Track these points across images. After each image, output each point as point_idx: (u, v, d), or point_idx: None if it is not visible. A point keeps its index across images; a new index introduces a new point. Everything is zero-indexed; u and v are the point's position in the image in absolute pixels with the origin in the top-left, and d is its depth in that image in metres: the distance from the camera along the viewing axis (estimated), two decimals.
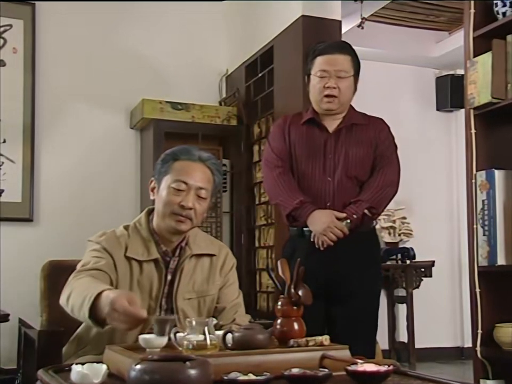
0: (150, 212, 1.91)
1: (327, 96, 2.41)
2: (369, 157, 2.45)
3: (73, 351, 1.84)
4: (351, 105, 2.52)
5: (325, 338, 1.50)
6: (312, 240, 2.37)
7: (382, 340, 4.87)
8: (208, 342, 1.41)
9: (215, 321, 1.49)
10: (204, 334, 1.42)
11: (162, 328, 1.42)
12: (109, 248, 1.81)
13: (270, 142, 2.57)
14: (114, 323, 1.48)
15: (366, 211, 2.37)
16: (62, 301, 1.71)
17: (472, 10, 2.46)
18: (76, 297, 1.64)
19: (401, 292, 5.34)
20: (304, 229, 2.42)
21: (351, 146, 2.44)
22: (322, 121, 2.48)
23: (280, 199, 2.42)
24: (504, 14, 2.37)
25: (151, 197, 1.90)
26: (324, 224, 2.32)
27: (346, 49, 2.48)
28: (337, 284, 2.36)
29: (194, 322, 1.44)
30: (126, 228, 1.88)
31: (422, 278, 5.24)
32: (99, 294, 1.55)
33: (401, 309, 5.37)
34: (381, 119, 2.56)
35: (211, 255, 1.92)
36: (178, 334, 1.47)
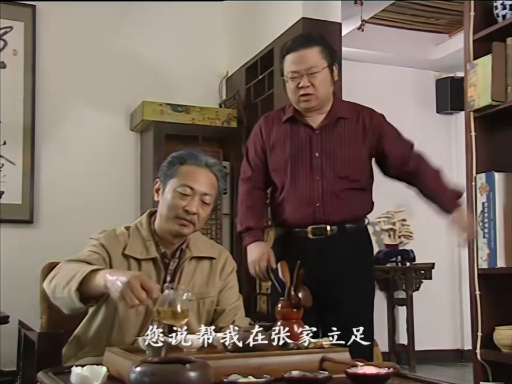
0: (152, 214, 1.92)
1: (302, 95, 2.33)
2: (360, 154, 2.38)
3: (73, 353, 1.84)
4: (337, 97, 2.44)
5: (325, 341, 1.50)
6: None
7: (382, 342, 4.87)
8: (179, 309, 1.44)
9: (189, 294, 1.54)
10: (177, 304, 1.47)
11: (157, 352, 1.39)
12: (107, 244, 1.82)
13: (248, 147, 2.51)
14: (126, 292, 1.49)
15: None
16: (45, 284, 1.74)
17: (472, 13, 2.46)
18: (61, 276, 1.68)
19: (401, 294, 5.34)
20: (294, 229, 2.36)
21: (339, 144, 2.36)
22: (305, 117, 2.40)
23: (239, 217, 2.47)
24: (504, 16, 2.37)
25: (155, 198, 1.90)
26: (253, 258, 2.36)
27: (313, 41, 2.37)
28: (329, 290, 2.29)
29: (167, 290, 1.51)
30: (127, 228, 1.90)
31: (422, 280, 5.24)
32: (93, 271, 1.61)
33: (401, 311, 5.37)
34: (371, 110, 2.46)
35: (211, 258, 1.92)
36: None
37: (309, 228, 2.34)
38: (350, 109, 2.43)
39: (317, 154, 2.35)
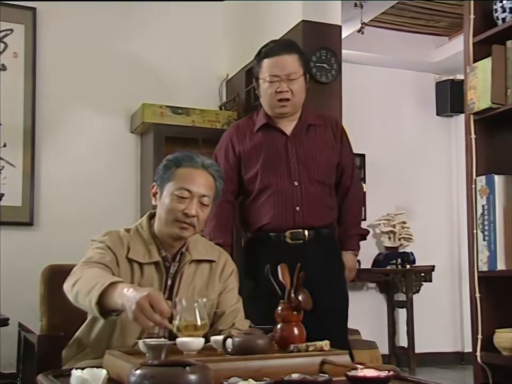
0: (152, 216, 1.91)
1: (280, 100, 2.39)
2: (332, 160, 2.48)
3: (73, 354, 1.84)
4: (305, 105, 2.51)
5: (325, 344, 1.50)
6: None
7: (382, 345, 4.87)
8: (199, 322, 1.41)
9: (205, 300, 1.49)
10: (194, 314, 1.42)
11: (157, 355, 1.38)
12: (113, 247, 1.81)
13: (216, 158, 2.49)
14: (138, 316, 1.45)
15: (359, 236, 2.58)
16: (67, 287, 1.71)
17: (472, 16, 2.46)
18: (83, 283, 1.64)
19: (401, 297, 5.34)
20: (271, 234, 2.41)
21: (313, 150, 2.44)
22: (277, 124, 2.46)
23: (208, 230, 2.47)
24: (503, 19, 2.37)
25: (153, 202, 1.90)
26: None
27: (293, 48, 2.44)
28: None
29: (184, 302, 1.44)
30: (128, 230, 1.89)
31: (422, 282, 5.24)
32: (112, 284, 1.56)
33: (401, 313, 5.37)
34: (336, 119, 2.58)
35: (211, 261, 1.92)
36: (177, 339, 1.47)
37: (287, 233, 2.40)
38: (318, 117, 2.53)
39: (293, 160, 2.42)
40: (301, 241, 2.41)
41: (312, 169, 2.42)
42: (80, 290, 1.64)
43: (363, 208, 2.66)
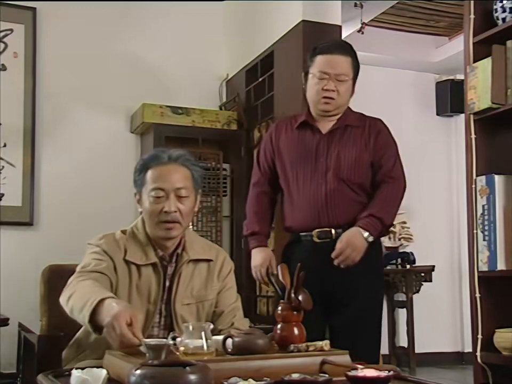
0: None
1: (325, 97, 2.38)
2: (363, 159, 2.39)
3: (73, 355, 1.84)
4: (348, 107, 2.48)
5: (325, 344, 1.50)
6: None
7: (382, 345, 4.86)
8: (205, 347, 1.41)
9: (211, 326, 1.49)
10: (201, 339, 1.42)
11: (158, 355, 1.39)
12: (109, 251, 1.81)
13: (258, 152, 2.57)
14: (109, 338, 1.52)
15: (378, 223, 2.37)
16: (62, 300, 1.72)
17: (472, 16, 2.46)
18: (77, 299, 1.66)
19: (401, 297, 5.34)
20: (301, 233, 2.40)
21: (343, 147, 2.40)
22: (316, 122, 2.45)
23: (246, 221, 2.53)
24: (504, 19, 2.37)
25: (139, 209, 1.91)
26: (255, 263, 2.43)
27: (348, 50, 2.44)
28: (335, 292, 2.31)
29: (191, 327, 1.45)
30: (124, 232, 1.89)
31: (422, 282, 5.24)
32: (101, 301, 1.56)
33: (401, 313, 5.37)
34: (379, 120, 2.49)
35: (208, 260, 1.92)
36: (177, 339, 1.47)
37: (314, 232, 2.37)
38: (359, 119, 2.47)
39: (322, 159, 2.39)
40: (328, 240, 2.34)
41: (339, 166, 2.37)
42: (74, 305, 1.66)
43: (399, 206, 2.53)
